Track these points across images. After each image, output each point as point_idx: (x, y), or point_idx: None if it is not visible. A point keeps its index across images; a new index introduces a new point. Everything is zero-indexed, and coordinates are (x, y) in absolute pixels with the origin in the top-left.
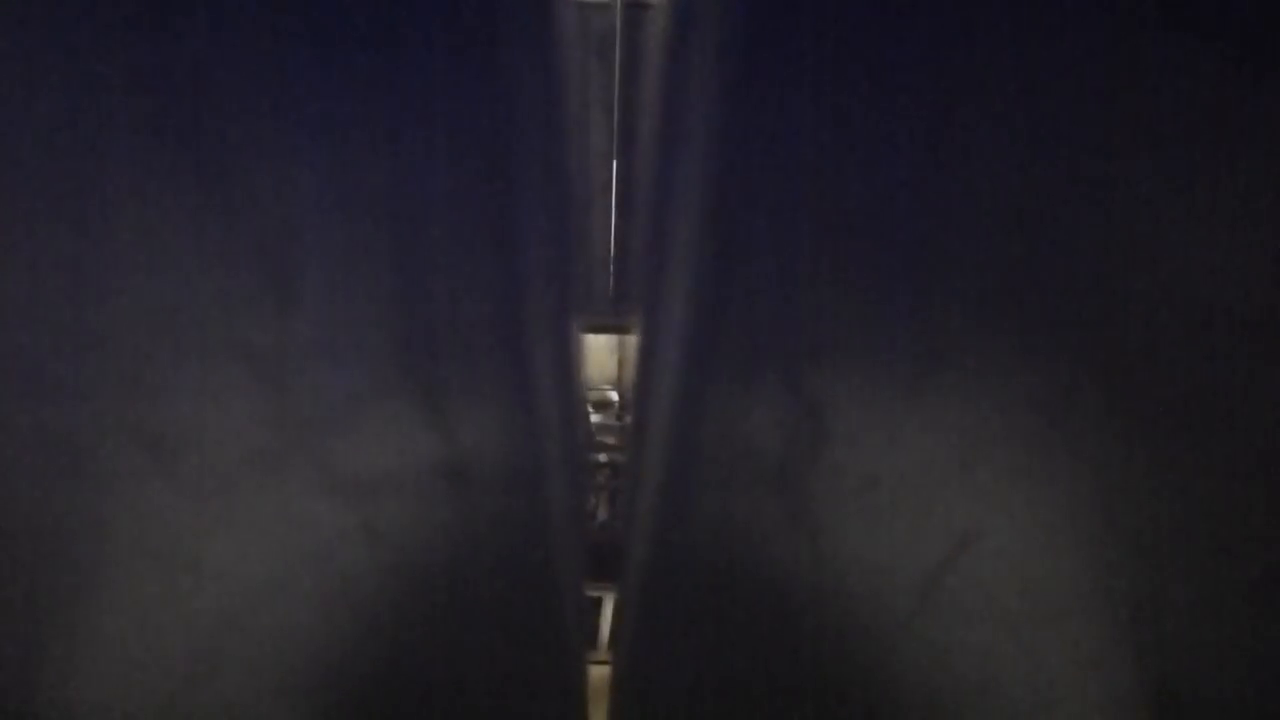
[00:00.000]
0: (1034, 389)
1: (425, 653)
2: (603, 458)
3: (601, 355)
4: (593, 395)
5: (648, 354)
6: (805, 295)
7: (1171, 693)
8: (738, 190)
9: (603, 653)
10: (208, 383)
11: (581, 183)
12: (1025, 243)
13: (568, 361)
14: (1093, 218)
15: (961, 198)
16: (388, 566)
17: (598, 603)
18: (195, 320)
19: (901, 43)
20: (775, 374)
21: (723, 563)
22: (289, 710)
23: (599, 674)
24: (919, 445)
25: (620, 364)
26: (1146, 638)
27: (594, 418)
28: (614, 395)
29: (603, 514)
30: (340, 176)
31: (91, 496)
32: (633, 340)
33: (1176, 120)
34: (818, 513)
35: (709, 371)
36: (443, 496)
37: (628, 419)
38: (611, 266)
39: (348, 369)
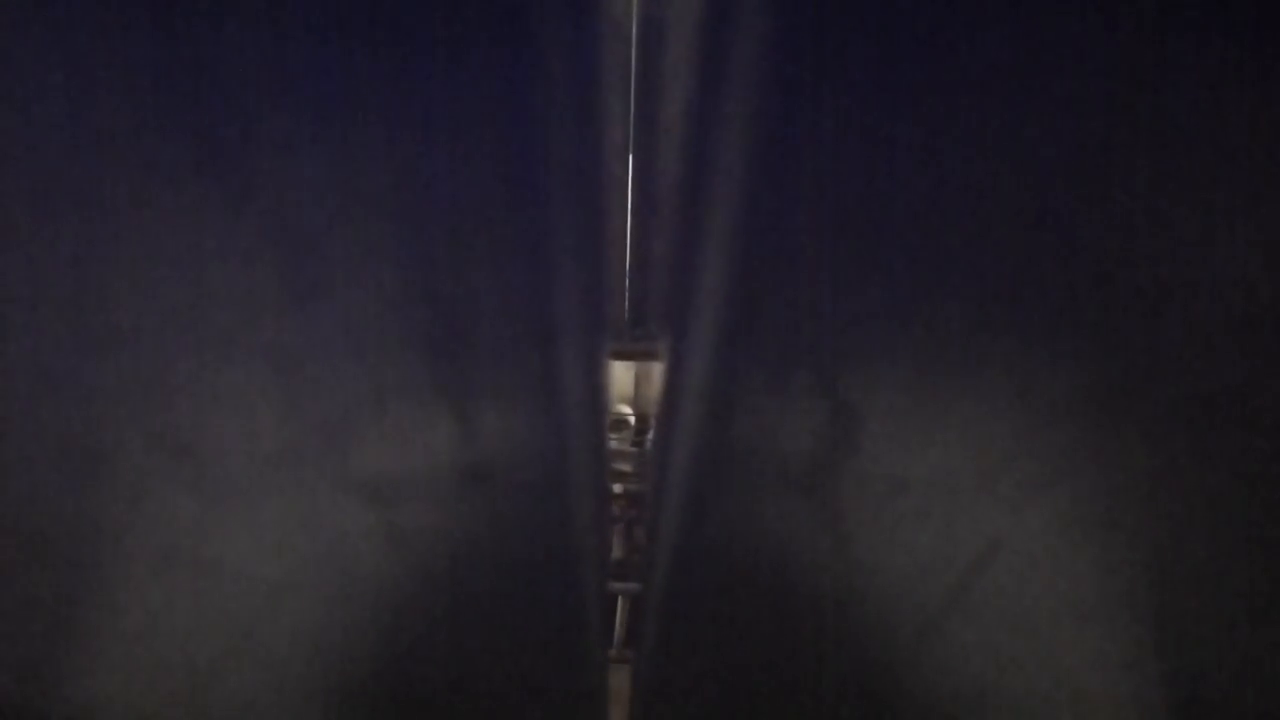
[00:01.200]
0: (1064, 396)
1: (446, 654)
2: (618, 488)
3: (617, 373)
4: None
5: (677, 354)
6: (838, 301)
7: (1197, 698)
8: (773, 193)
9: (619, 651)
10: (229, 384)
11: (610, 184)
12: (1061, 253)
13: (593, 361)
14: (1115, 223)
15: (997, 206)
16: (410, 568)
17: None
18: (216, 321)
19: (954, 39)
20: (806, 378)
21: (749, 567)
22: (310, 709)
23: (615, 672)
24: (948, 451)
25: (638, 383)
26: (1172, 643)
27: (609, 441)
28: (631, 418)
29: (618, 551)
30: (365, 176)
31: (110, 499)
32: (651, 364)
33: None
34: (846, 517)
35: (739, 374)
36: (466, 498)
37: (646, 443)
38: (628, 280)
39: (372, 370)
